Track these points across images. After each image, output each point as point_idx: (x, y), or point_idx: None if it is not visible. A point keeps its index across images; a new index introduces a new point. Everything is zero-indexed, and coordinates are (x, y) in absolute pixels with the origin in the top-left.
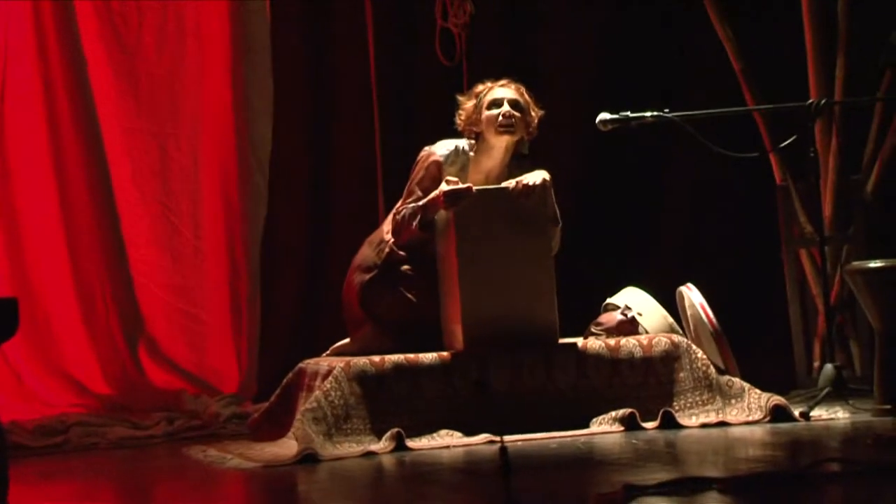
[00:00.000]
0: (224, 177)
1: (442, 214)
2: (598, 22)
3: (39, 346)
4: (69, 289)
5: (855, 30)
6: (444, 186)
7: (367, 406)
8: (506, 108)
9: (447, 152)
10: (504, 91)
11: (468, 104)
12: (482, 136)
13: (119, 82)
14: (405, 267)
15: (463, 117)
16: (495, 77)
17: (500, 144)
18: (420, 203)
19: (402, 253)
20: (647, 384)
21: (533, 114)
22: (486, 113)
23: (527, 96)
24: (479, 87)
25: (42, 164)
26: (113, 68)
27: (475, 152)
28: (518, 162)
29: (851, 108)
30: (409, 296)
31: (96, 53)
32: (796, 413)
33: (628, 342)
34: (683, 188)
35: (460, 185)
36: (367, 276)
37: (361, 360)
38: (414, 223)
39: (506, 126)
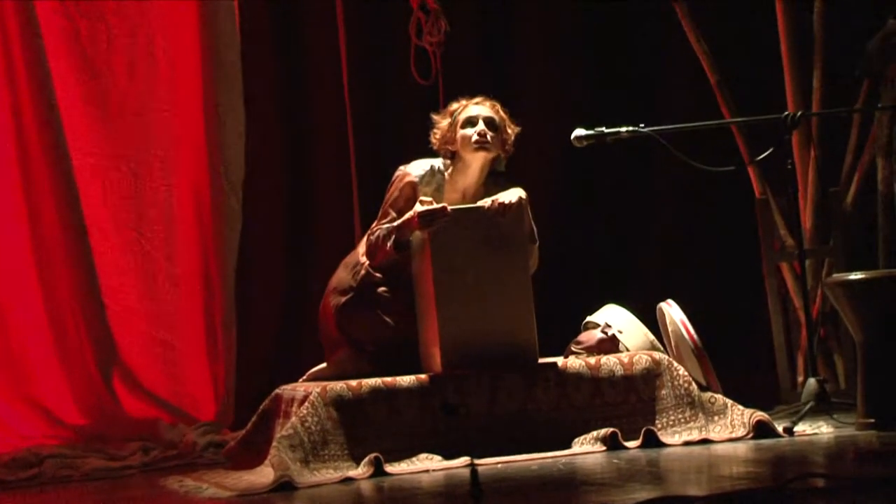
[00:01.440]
0: (197, 200)
1: (417, 235)
2: (574, 39)
3: (11, 376)
4: (41, 318)
5: (831, 40)
6: (418, 207)
7: (345, 431)
8: (481, 126)
9: (422, 172)
10: (479, 109)
11: (443, 122)
12: (458, 155)
13: (88, 107)
14: (381, 289)
15: (438, 136)
16: (471, 94)
17: (475, 163)
18: (394, 224)
19: (378, 275)
20: (629, 403)
21: (509, 131)
22: (461, 131)
23: (502, 113)
24: (454, 105)
25: (11, 191)
26: (82, 92)
27: (451, 171)
28: (494, 180)
29: (829, 120)
30: (386, 318)
31: (65, 78)
32: (780, 429)
33: (609, 360)
34: (662, 204)
35: (435, 206)
36: (343, 299)
37: (338, 385)
38: (388, 244)
39: (481, 144)
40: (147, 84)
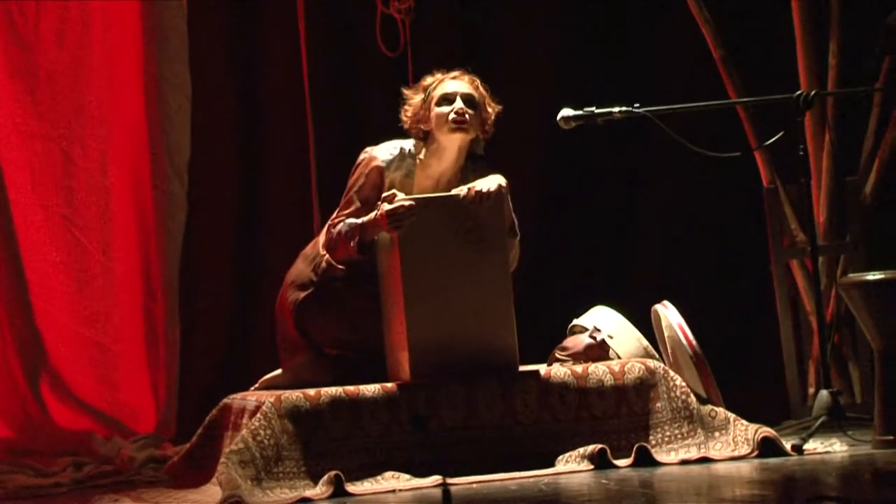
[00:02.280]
0: (137, 185)
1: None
2: (560, 5)
3: None
4: None
5: (849, 12)
6: (385, 206)
7: (301, 446)
8: (458, 104)
9: (390, 157)
10: (456, 84)
11: (415, 99)
12: (431, 136)
13: (14, 80)
14: (344, 284)
15: (409, 114)
16: (446, 68)
17: (451, 145)
18: (358, 221)
19: (340, 267)
20: (620, 416)
21: (490, 109)
22: (435, 109)
23: (482, 89)
24: (428, 80)
25: None
26: (8, 64)
27: (424, 154)
28: (472, 165)
29: (846, 101)
30: (350, 316)
31: None
32: (788, 446)
33: (598, 369)
34: (659, 193)
35: (403, 202)
36: (303, 294)
37: (294, 394)
38: (351, 244)
39: (458, 124)
40: (79, 54)
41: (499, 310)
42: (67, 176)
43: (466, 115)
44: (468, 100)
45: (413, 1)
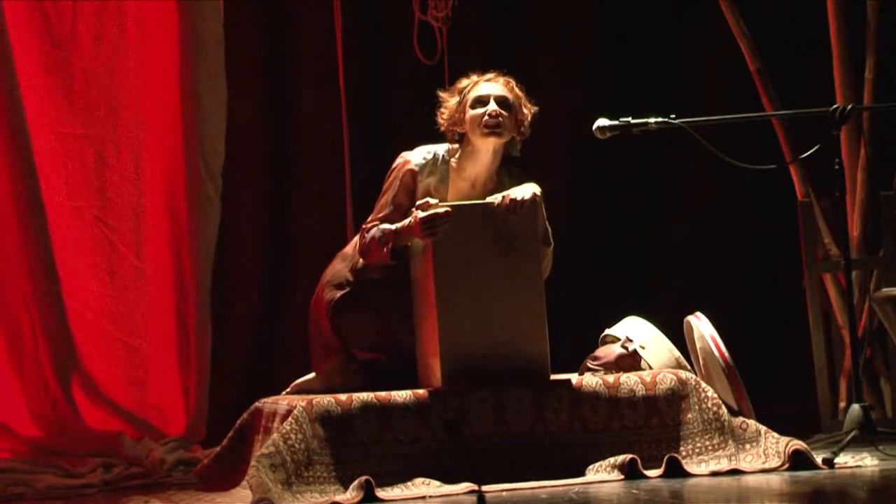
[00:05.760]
0: (170, 188)
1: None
2: (597, 14)
3: None
4: None
5: (886, 25)
6: (419, 213)
7: (332, 451)
8: (492, 106)
9: (423, 162)
10: (490, 87)
11: (451, 101)
12: (466, 138)
13: (50, 79)
14: (380, 284)
15: (445, 116)
16: (482, 71)
17: (485, 147)
18: (392, 227)
19: (378, 269)
20: (651, 426)
21: (525, 111)
22: (470, 112)
23: (517, 91)
24: (464, 82)
25: None
26: (44, 64)
27: (459, 156)
28: (508, 169)
29: (882, 115)
30: (385, 318)
31: (25, 46)
32: (818, 460)
33: (629, 379)
34: (692, 205)
35: (438, 209)
36: (339, 294)
37: (325, 399)
38: (384, 249)
39: (492, 127)
40: (115, 55)
41: (531, 318)
42: (100, 177)
43: (500, 118)
44: (502, 102)
45: (450, 9)
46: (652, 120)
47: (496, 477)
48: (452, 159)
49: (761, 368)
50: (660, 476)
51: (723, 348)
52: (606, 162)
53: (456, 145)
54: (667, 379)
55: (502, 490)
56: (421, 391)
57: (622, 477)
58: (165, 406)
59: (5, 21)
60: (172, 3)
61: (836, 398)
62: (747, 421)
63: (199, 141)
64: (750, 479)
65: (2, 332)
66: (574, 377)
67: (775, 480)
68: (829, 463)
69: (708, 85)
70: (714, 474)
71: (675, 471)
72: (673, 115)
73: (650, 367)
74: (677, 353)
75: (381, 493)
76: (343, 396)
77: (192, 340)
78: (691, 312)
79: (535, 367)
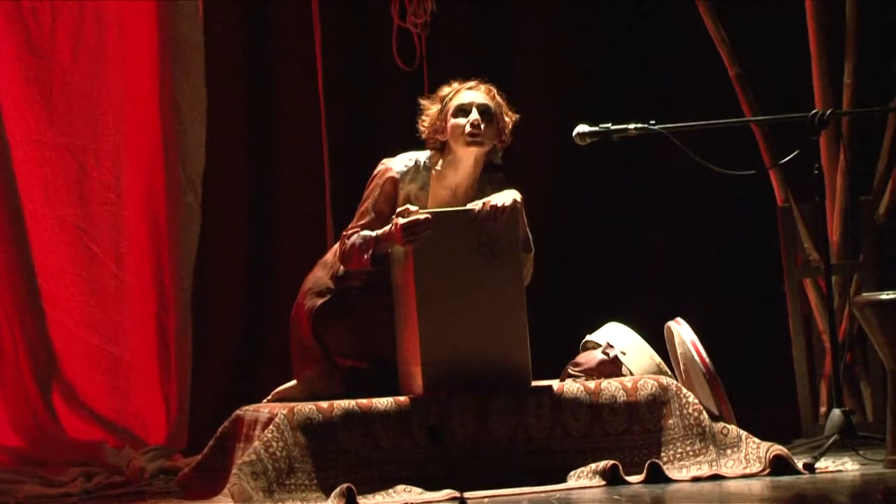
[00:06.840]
0: (150, 196)
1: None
2: (576, 21)
3: None
4: None
5: (865, 30)
6: (399, 220)
7: (314, 459)
8: (474, 115)
9: (405, 169)
10: (472, 95)
11: (432, 109)
12: (448, 146)
13: (29, 88)
14: (361, 292)
15: (427, 124)
16: (463, 78)
17: (467, 157)
18: (373, 234)
19: (359, 276)
20: (632, 432)
21: (507, 119)
22: (451, 121)
23: (499, 99)
24: (445, 90)
25: None
26: (23, 73)
27: (441, 164)
28: (489, 177)
29: (861, 120)
30: (366, 325)
31: (3, 55)
32: (799, 464)
33: (610, 385)
34: (673, 211)
35: (419, 216)
36: (320, 301)
37: (307, 407)
38: (365, 256)
39: (473, 138)
40: (95, 64)
41: (512, 324)
42: (80, 186)
43: (481, 128)
44: (484, 110)
45: (429, 15)
46: (632, 126)
47: (478, 484)
48: (435, 167)
49: (742, 373)
50: (641, 482)
51: (703, 354)
52: (587, 168)
53: (437, 153)
54: (648, 385)
55: (484, 497)
56: (402, 398)
57: (604, 483)
58: (146, 415)
59: None
60: (152, 12)
61: (817, 403)
62: (728, 426)
63: (180, 149)
64: (731, 485)
65: None
66: (555, 383)
67: (756, 486)
68: (810, 468)
69: (687, 90)
70: (695, 480)
71: (657, 476)
72: (653, 122)
73: (631, 373)
74: (658, 359)
75: (363, 501)
76: (325, 404)
77: (172, 349)
78: (672, 318)
79: (517, 374)
